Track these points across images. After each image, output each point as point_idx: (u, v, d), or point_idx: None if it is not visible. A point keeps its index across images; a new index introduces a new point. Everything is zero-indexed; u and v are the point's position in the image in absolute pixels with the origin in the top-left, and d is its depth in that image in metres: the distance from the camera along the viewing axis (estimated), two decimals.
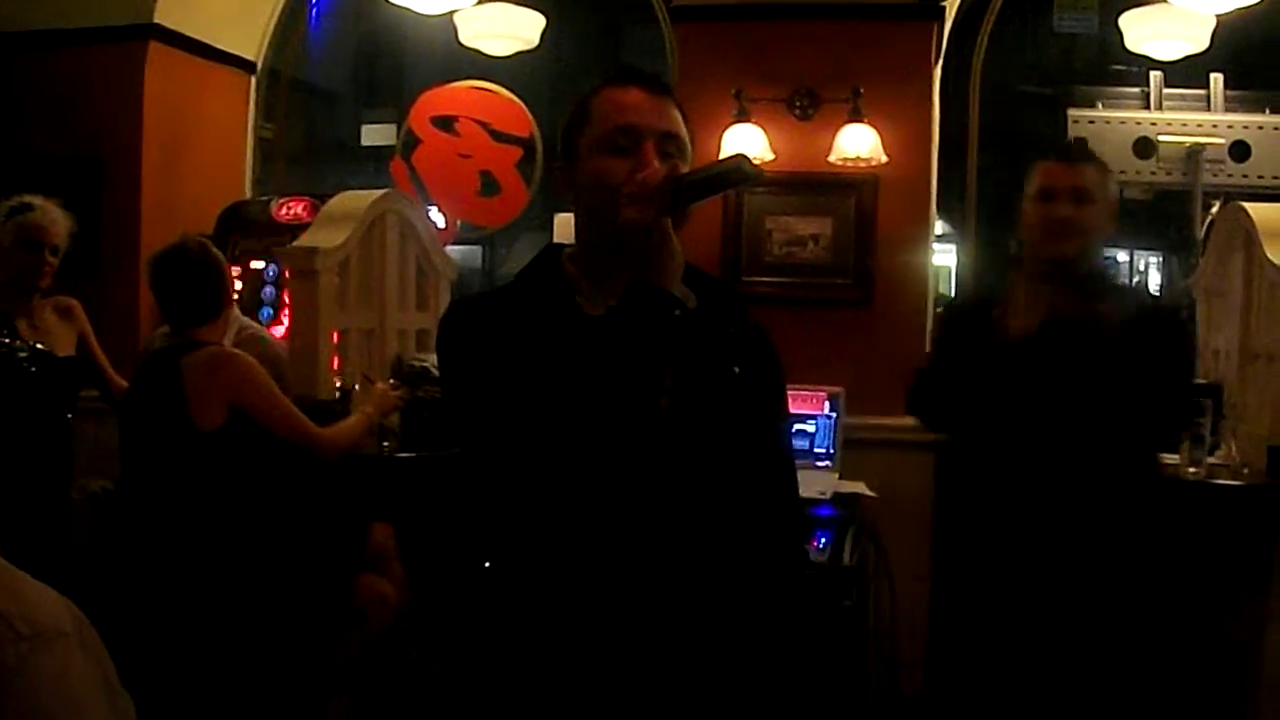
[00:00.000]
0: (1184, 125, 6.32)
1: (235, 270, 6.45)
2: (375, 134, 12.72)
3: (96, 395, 5.18)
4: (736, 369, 2.12)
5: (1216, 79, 6.50)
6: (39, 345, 4.80)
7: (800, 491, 2.36)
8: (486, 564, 2.20)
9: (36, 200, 4.82)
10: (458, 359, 2.18)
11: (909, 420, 5.73)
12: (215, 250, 4.53)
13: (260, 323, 6.26)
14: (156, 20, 6.55)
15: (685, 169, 2.11)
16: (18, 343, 4.73)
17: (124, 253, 6.36)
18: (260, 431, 4.25)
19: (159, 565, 4.15)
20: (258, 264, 6.74)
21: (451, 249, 6.62)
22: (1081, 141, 3.93)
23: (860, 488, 5.23)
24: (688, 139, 2.18)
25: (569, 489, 2.02)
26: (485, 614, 2.22)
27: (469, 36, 6.65)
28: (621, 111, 2.14)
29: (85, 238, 6.47)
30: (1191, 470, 4.59)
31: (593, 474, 2.01)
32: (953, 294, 12.07)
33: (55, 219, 4.84)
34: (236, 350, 4.56)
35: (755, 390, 2.18)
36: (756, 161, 5.48)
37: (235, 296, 5.29)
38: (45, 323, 4.91)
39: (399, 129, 7.73)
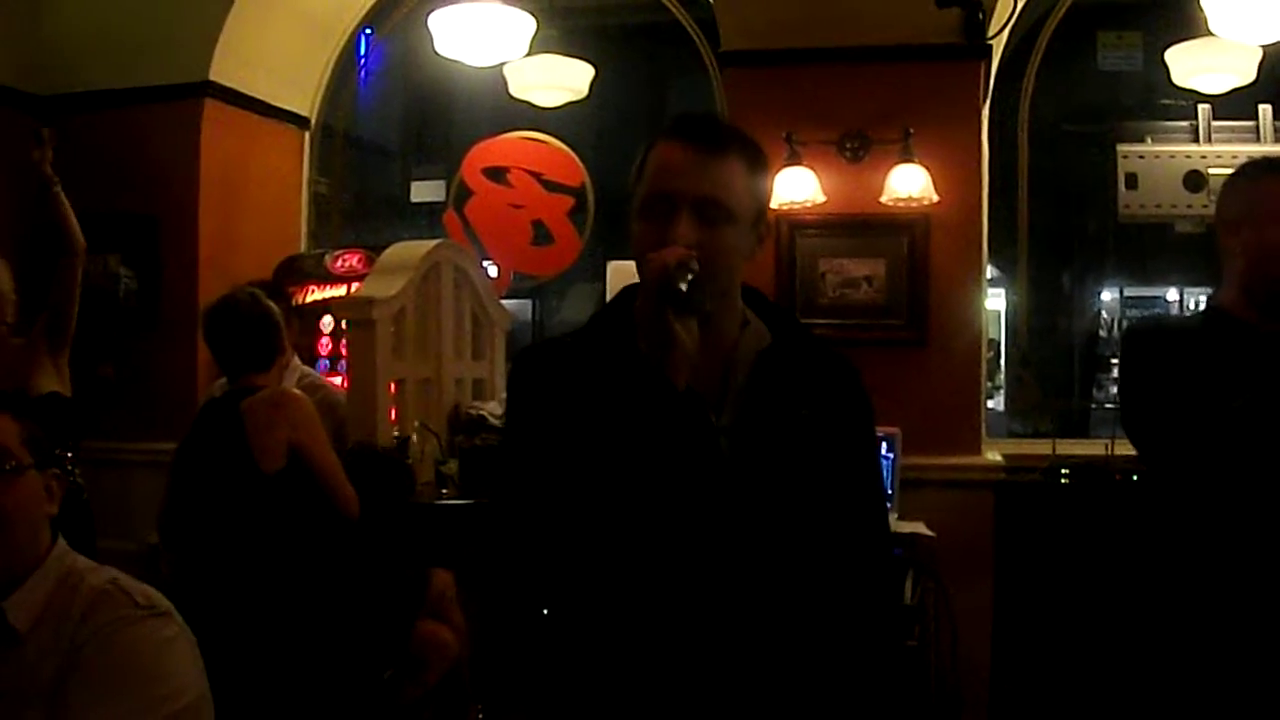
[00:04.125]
0: (1234, 157, 6.27)
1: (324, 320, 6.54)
2: (424, 190, 12.77)
3: (145, 447, 5.10)
4: (805, 411, 2.10)
5: (1265, 110, 6.45)
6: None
7: None
8: (545, 611, 2.19)
9: None
10: (526, 406, 2.17)
11: (965, 459, 5.76)
12: (267, 300, 4.57)
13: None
14: (212, 78, 6.64)
15: (732, 231, 2.05)
16: None
17: (182, 307, 6.42)
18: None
19: (217, 609, 4.17)
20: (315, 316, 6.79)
21: (502, 302, 6.65)
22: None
23: (919, 528, 5.22)
24: (739, 198, 2.07)
25: (631, 532, 1.99)
26: (547, 662, 2.20)
27: (519, 88, 6.70)
28: (659, 174, 2.07)
29: (144, 293, 6.60)
30: None
31: (652, 516, 1.98)
32: (1003, 337, 12.05)
33: None
34: (296, 391, 4.60)
35: (835, 430, 2.14)
36: (808, 204, 5.51)
37: (292, 347, 5.34)
38: (14, 363, 4.79)
39: (448, 184, 7.78)
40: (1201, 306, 3.91)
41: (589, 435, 1.99)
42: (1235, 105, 6.47)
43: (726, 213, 2.04)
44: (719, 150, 2.07)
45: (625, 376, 2.00)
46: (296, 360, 5.52)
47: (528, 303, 12.51)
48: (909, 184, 5.64)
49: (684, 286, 1.95)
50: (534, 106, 6.91)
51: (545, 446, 2.07)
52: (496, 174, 7.37)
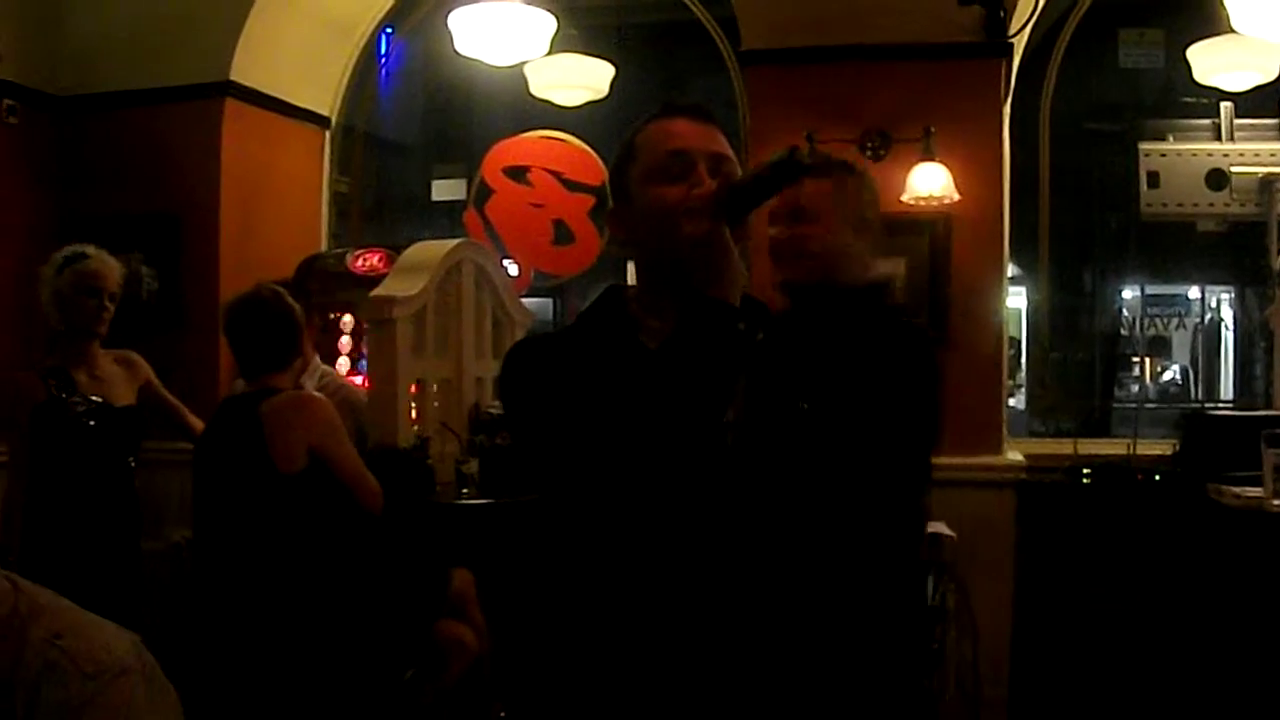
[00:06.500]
0: (1256, 155, 6.27)
1: (325, 320, 6.53)
2: (445, 189, 12.77)
3: (169, 446, 5.17)
4: (805, 405, 2.10)
5: None
6: (95, 397, 4.76)
7: None
8: (551, 607, 2.19)
9: (90, 249, 4.83)
10: (520, 400, 2.18)
11: (987, 459, 5.75)
12: (289, 299, 4.57)
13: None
14: (233, 78, 6.66)
15: None
16: (75, 399, 4.70)
17: (204, 306, 6.43)
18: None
19: (239, 609, 4.18)
20: (334, 314, 6.79)
21: (523, 300, 6.65)
22: (816, 152, 3.44)
23: (941, 527, 5.20)
24: (738, 163, 2.17)
25: (632, 525, 2.00)
26: (553, 657, 2.20)
27: (539, 87, 6.69)
28: (670, 138, 2.14)
29: (166, 292, 6.61)
30: (1275, 503, 4.57)
31: (656, 509, 1.98)
32: (1024, 336, 12.02)
33: (112, 266, 4.85)
34: (316, 394, 4.60)
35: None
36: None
37: (314, 346, 5.35)
38: (105, 372, 4.88)
39: (469, 183, 7.79)
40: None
41: (589, 425, 2.00)
42: (1258, 103, 6.46)
43: (733, 169, 2.14)
44: (713, 122, 2.20)
45: (629, 366, 2.02)
46: (317, 360, 5.52)
47: (548, 301, 12.51)
48: (930, 182, 5.62)
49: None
50: (554, 106, 6.91)
51: (549, 439, 2.09)
52: (517, 173, 7.38)
